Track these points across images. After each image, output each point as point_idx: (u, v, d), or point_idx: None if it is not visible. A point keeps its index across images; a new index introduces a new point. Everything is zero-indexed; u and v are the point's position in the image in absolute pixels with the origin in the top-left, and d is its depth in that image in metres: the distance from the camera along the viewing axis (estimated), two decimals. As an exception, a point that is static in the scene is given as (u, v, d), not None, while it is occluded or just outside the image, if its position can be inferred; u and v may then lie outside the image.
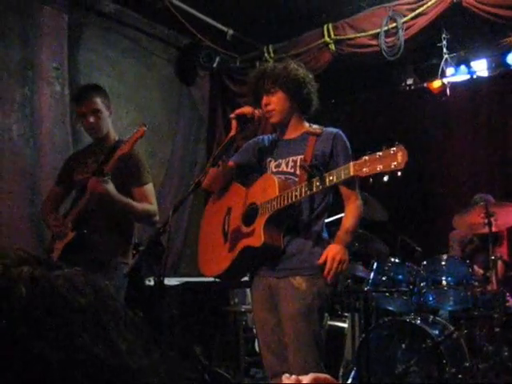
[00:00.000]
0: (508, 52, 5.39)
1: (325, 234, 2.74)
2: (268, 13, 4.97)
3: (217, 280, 4.84)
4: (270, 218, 2.51)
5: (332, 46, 5.02)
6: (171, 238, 3.33)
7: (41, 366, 0.65)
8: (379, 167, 2.13)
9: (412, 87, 6.22)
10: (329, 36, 5.00)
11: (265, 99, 2.68)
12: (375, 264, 4.31)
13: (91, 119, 3.09)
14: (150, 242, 2.62)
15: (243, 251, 2.58)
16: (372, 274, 4.27)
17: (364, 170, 2.17)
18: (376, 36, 4.78)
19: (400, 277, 4.25)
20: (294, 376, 1.16)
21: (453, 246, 4.91)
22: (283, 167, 2.70)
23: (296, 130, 2.77)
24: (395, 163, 2.10)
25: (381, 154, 2.16)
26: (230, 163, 2.80)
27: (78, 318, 0.73)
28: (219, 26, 5.18)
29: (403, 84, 6.23)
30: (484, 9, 4.34)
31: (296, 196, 2.45)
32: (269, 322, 2.67)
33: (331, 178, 2.35)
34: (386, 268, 4.26)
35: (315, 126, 2.79)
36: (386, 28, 4.70)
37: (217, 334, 4.66)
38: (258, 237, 2.49)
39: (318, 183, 2.39)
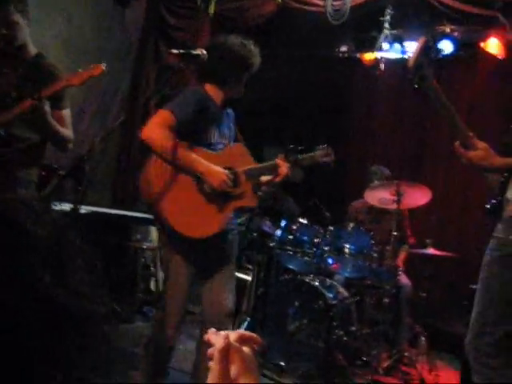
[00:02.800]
0: (440, 39, 5.55)
1: None
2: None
3: (122, 213, 4.79)
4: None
5: (278, -2, 4.91)
6: (94, 167, 3.17)
7: None
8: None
9: (345, 55, 6.26)
10: (276, -13, 4.88)
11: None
12: (283, 222, 4.39)
13: (4, 31, 2.84)
14: (73, 168, 2.48)
15: (234, 211, 2.89)
16: (279, 232, 4.35)
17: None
18: (324, -3, 4.72)
19: (305, 238, 4.37)
20: (222, 332, 1.15)
21: (348, 216, 5.10)
22: (223, 140, 2.95)
23: (225, 100, 3.00)
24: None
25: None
26: (174, 124, 2.77)
27: (37, 253, 0.66)
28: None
29: (337, 50, 6.26)
30: (431, -7, 4.41)
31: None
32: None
33: (304, 162, 2.94)
34: (294, 228, 4.35)
35: None
36: (334, -10, 4.66)
37: (114, 267, 4.57)
38: (252, 199, 2.90)
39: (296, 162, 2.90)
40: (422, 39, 2.38)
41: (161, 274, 5.21)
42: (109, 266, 4.59)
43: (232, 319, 2.97)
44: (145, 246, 5.10)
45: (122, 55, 5.27)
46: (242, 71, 2.91)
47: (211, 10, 5.17)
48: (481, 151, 2.31)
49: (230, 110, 3.11)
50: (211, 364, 1.11)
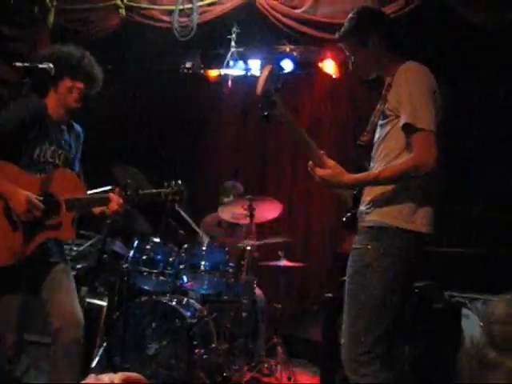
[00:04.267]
0: (281, 59, 5.81)
1: None
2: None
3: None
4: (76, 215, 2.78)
5: (122, 11, 4.80)
6: None
7: None
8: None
9: (190, 71, 6.29)
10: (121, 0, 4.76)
11: (80, 84, 2.85)
12: (136, 242, 4.25)
13: None
14: None
15: (47, 241, 2.70)
16: (131, 252, 4.21)
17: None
18: (170, 12, 4.71)
19: (159, 257, 4.27)
20: (104, 376, 1.08)
21: (201, 231, 5.11)
22: (57, 160, 2.82)
23: (67, 117, 2.92)
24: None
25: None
26: None
27: None
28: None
29: (182, 66, 6.27)
30: (273, 14, 4.60)
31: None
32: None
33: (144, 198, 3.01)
34: (148, 247, 4.23)
35: None
36: (181, 7, 4.67)
37: None
38: (69, 231, 2.73)
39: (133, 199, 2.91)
40: (268, 66, 2.44)
41: None
42: None
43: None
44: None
45: None
46: (70, 76, 2.83)
47: (50, 20, 4.88)
48: (330, 169, 2.42)
49: (77, 129, 3.00)
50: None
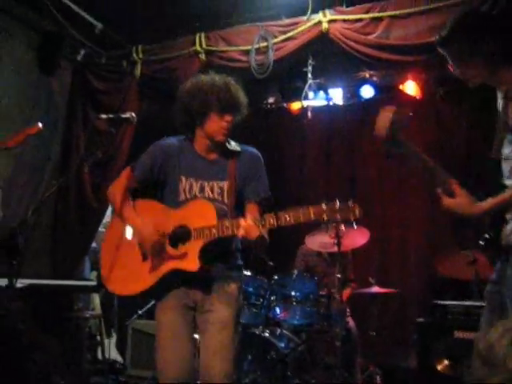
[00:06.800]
0: (361, 85, 5.84)
1: (240, 262, 2.80)
2: (141, 12, 4.85)
3: (61, 283, 4.63)
4: (207, 244, 2.52)
5: (202, 56, 5.02)
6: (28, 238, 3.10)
7: None
8: (338, 216, 2.31)
9: (273, 106, 6.45)
10: (200, 45, 5.00)
11: (228, 117, 2.65)
12: (227, 275, 4.35)
13: None
14: (4, 241, 2.40)
15: (171, 272, 2.58)
16: (224, 286, 4.31)
17: (323, 216, 2.32)
18: (247, 52, 4.87)
19: (251, 289, 4.37)
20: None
21: (297, 260, 5.14)
22: (208, 192, 2.69)
23: (219, 148, 2.75)
24: (353, 216, 2.31)
25: (338, 205, 2.32)
26: (133, 181, 2.76)
27: None
28: (88, 17, 4.94)
29: (265, 102, 6.44)
30: (347, 43, 4.63)
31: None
32: (186, 330, 2.64)
33: (287, 218, 2.38)
34: (239, 280, 4.32)
35: (233, 143, 2.79)
36: (257, 46, 4.82)
37: (59, 340, 4.38)
38: (193, 262, 2.51)
39: (272, 221, 2.39)
40: (391, 108, 2.38)
41: (107, 342, 5.04)
42: (56, 339, 4.44)
43: None
44: (88, 315, 4.94)
45: (50, 122, 5.21)
46: (217, 111, 2.65)
47: (137, 72, 5.23)
48: (460, 199, 2.30)
49: (246, 154, 2.78)
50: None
